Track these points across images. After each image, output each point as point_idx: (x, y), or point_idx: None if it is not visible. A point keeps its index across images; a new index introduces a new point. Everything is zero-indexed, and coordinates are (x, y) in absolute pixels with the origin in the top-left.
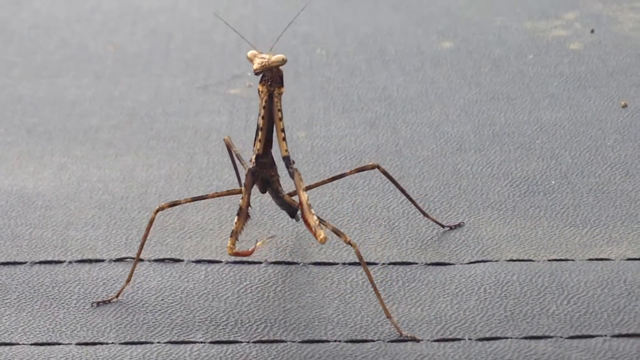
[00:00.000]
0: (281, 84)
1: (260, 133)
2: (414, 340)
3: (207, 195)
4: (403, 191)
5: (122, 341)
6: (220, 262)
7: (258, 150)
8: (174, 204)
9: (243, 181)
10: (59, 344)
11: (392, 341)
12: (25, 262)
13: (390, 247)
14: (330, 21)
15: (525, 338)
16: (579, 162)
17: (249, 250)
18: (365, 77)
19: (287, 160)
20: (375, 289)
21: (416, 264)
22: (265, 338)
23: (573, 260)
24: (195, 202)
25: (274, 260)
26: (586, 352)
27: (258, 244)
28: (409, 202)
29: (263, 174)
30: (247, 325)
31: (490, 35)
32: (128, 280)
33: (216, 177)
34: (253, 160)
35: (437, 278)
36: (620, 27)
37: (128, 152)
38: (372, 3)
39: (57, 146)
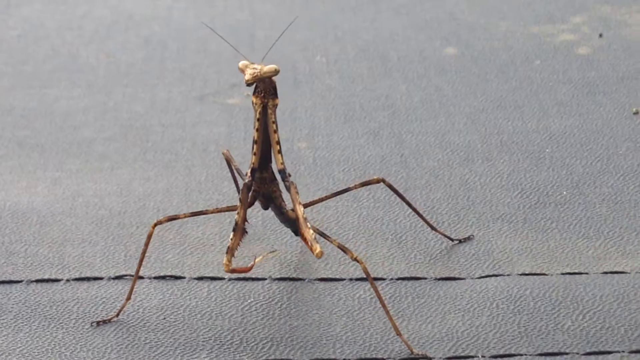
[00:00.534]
0: (275, 95)
1: (255, 146)
2: (426, 358)
3: (207, 210)
4: (409, 205)
5: None
6: (223, 278)
7: (254, 164)
8: (172, 219)
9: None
10: None
11: (403, 359)
12: (21, 281)
13: (398, 262)
14: (329, 27)
15: (540, 355)
16: (590, 171)
17: (248, 266)
18: (367, 85)
19: (283, 173)
20: (384, 306)
21: (425, 278)
22: (272, 357)
23: (587, 273)
24: (195, 216)
25: (278, 276)
26: None
27: (257, 259)
28: (416, 215)
29: (264, 190)
30: (253, 344)
31: (495, 41)
32: (128, 298)
33: (215, 190)
34: (249, 174)
35: (447, 293)
36: (629, 31)
37: (124, 165)
38: (372, 8)
39: (50, 159)
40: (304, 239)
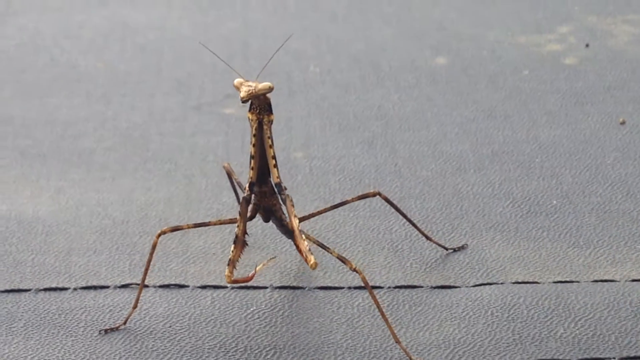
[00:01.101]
0: (270, 111)
1: (252, 161)
2: None
3: (209, 222)
4: (405, 216)
5: None
6: (226, 287)
7: (251, 178)
8: (176, 229)
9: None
10: None
11: None
12: (30, 290)
13: (395, 270)
14: (322, 37)
15: None
16: (579, 181)
17: (249, 276)
18: (360, 95)
19: (279, 187)
20: (382, 314)
21: (422, 287)
22: None
23: (578, 282)
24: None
25: (279, 284)
26: None
27: (258, 268)
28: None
29: (264, 203)
30: (257, 351)
31: (484, 51)
32: (134, 307)
33: (216, 200)
34: (247, 188)
35: (443, 301)
36: (615, 41)
37: (125, 175)
38: (363, 17)
39: (52, 169)
40: (299, 251)
